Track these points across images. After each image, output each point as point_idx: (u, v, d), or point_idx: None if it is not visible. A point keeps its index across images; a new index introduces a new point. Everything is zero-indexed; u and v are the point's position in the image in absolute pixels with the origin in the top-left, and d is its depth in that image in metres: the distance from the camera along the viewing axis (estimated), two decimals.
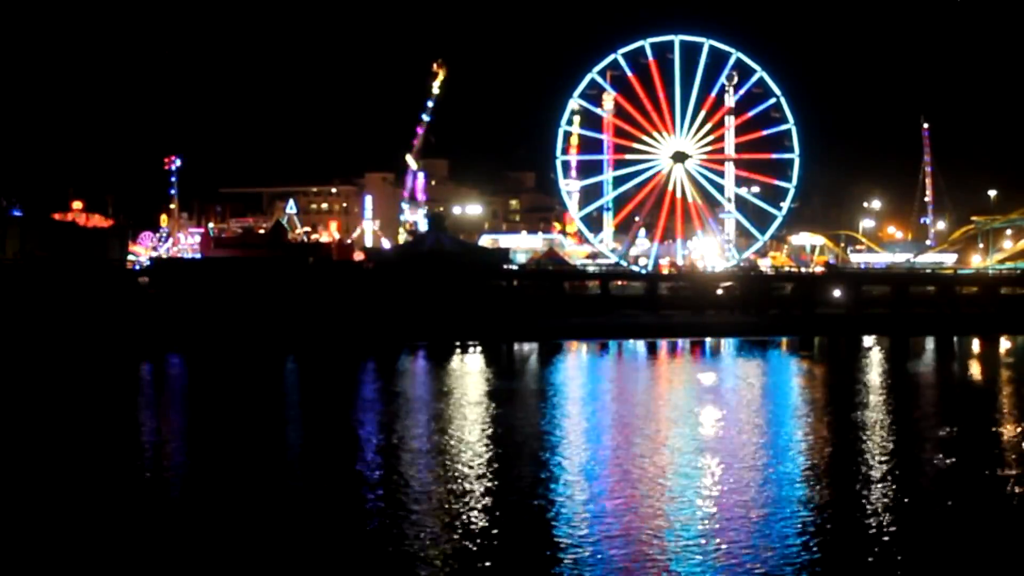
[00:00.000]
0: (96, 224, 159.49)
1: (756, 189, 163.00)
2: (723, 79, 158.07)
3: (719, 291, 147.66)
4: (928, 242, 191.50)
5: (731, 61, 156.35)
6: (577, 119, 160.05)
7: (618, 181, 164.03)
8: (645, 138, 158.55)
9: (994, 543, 35.86)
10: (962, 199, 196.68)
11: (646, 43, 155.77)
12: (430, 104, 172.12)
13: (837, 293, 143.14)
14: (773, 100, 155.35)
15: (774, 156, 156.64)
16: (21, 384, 78.80)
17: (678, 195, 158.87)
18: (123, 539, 36.10)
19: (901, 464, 48.29)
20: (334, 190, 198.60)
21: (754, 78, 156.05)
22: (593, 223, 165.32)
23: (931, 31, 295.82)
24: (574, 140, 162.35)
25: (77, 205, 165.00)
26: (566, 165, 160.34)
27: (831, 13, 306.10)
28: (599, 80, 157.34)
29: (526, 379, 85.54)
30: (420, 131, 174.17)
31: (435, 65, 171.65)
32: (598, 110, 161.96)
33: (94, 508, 40.10)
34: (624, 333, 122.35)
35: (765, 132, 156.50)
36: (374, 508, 39.98)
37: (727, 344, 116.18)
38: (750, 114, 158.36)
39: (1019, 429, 58.43)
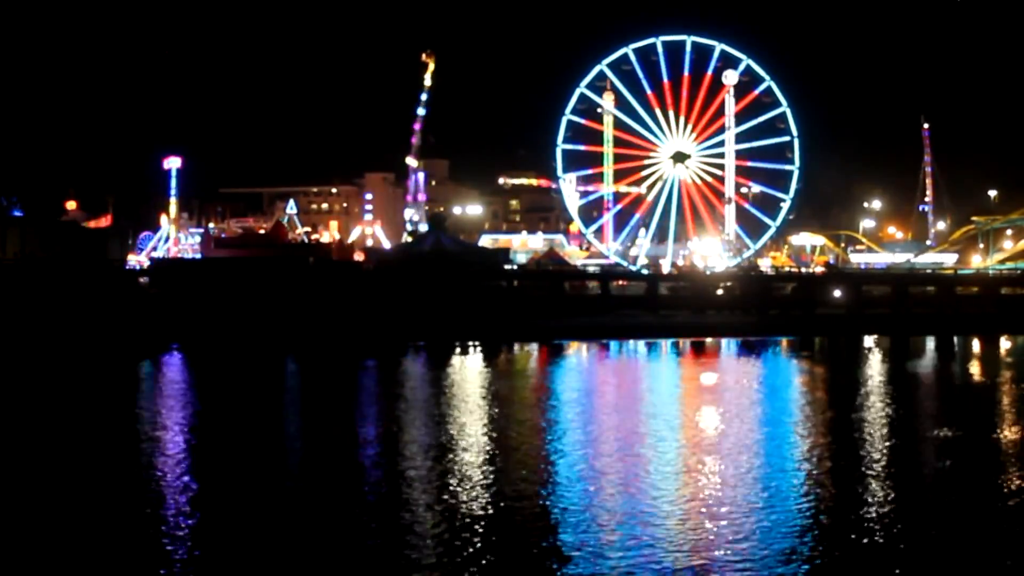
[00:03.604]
0: (96, 224, 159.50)
1: (757, 189, 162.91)
2: (720, 77, 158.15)
3: (719, 291, 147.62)
4: (928, 242, 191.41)
5: (716, 53, 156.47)
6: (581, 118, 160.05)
7: (619, 181, 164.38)
8: (643, 142, 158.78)
9: (994, 544, 35.85)
10: (962, 199, 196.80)
11: (657, 42, 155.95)
12: (424, 97, 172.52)
13: (837, 293, 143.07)
14: (765, 85, 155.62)
15: (773, 141, 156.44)
16: (22, 384, 78.77)
17: (680, 195, 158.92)
18: (122, 539, 36.10)
19: (902, 465, 48.29)
20: (334, 190, 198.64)
21: (742, 66, 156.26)
22: (594, 223, 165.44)
23: (931, 31, 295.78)
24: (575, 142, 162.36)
25: (71, 205, 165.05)
26: (566, 155, 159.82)
27: (831, 13, 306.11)
28: (607, 71, 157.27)
29: (527, 380, 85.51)
30: (417, 127, 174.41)
31: (424, 55, 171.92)
32: (598, 110, 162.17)
33: (94, 507, 40.10)
34: (624, 333, 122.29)
35: (762, 118, 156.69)
36: (374, 509, 39.97)
37: (727, 344, 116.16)
38: (750, 113, 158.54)
39: (1020, 430, 58.43)
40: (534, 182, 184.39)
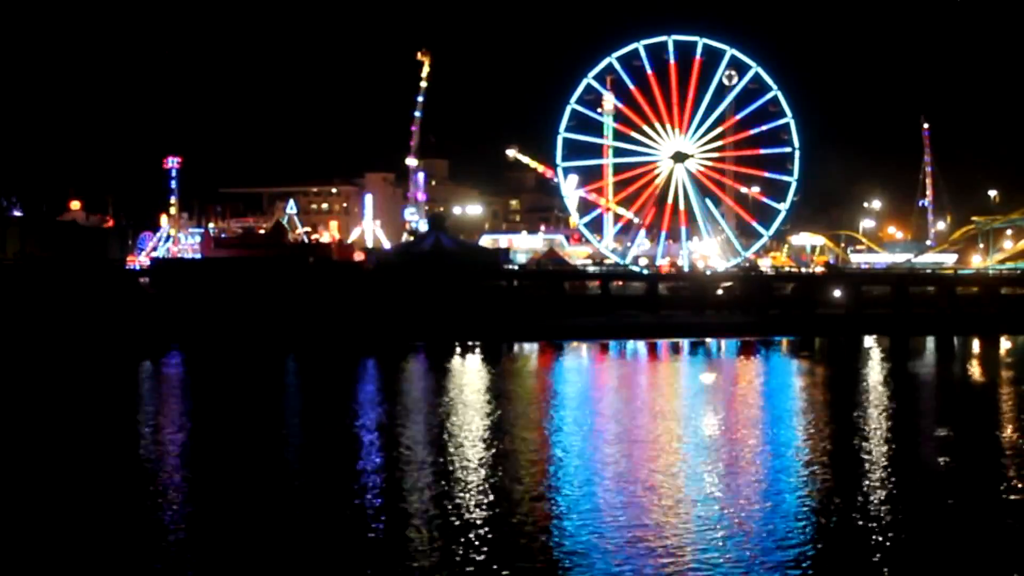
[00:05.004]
0: (96, 224, 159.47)
1: (757, 188, 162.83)
2: (722, 78, 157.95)
3: (719, 291, 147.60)
4: (928, 242, 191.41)
5: (726, 58, 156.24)
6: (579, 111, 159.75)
7: (619, 182, 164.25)
8: (645, 139, 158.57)
9: (994, 543, 35.85)
10: (962, 199, 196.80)
11: (668, 41, 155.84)
12: (421, 96, 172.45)
13: (837, 293, 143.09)
14: (771, 95, 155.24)
15: (774, 150, 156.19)
16: (22, 383, 78.78)
17: (679, 195, 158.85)
18: (122, 540, 36.10)
19: (902, 464, 48.29)
20: (334, 190, 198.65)
21: (750, 73, 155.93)
22: (593, 224, 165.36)
23: (931, 31, 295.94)
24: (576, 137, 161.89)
25: (77, 205, 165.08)
26: (567, 144, 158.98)
27: (831, 13, 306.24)
28: (616, 64, 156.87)
29: (528, 380, 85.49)
30: (416, 127, 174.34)
31: (420, 54, 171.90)
32: (598, 109, 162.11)
33: (94, 508, 40.10)
34: (624, 333, 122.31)
35: (765, 127, 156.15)
36: (374, 508, 39.97)
37: (727, 344, 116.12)
38: (754, 120, 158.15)
39: (1019, 429, 58.42)
40: (539, 168, 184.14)
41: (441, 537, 35.83)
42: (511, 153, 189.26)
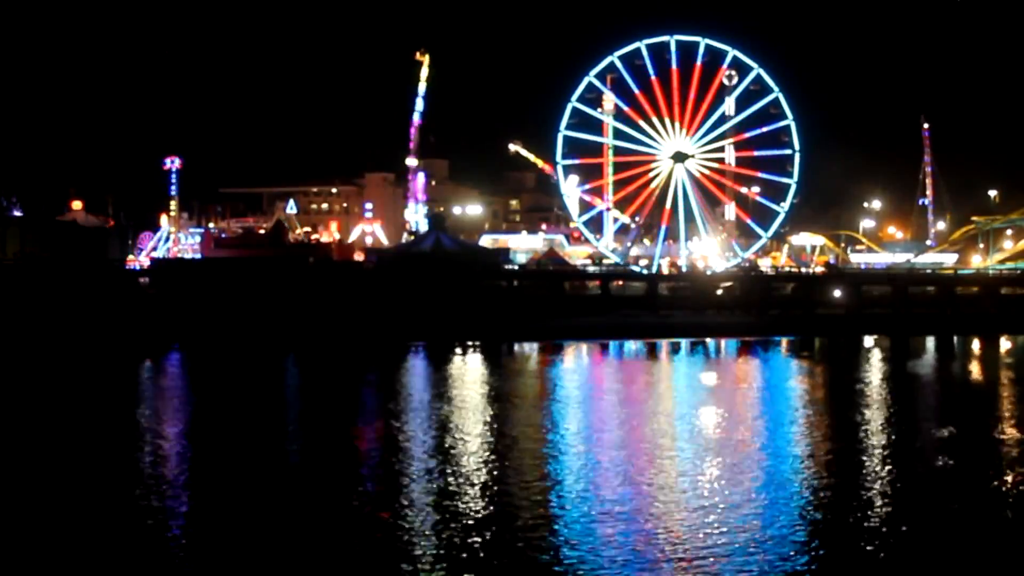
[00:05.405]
0: (96, 224, 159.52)
1: (757, 189, 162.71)
2: (723, 78, 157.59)
3: (719, 291, 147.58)
4: (928, 242, 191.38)
5: (728, 59, 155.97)
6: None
7: (618, 181, 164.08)
8: (645, 139, 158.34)
9: (994, 544, 35.86)
10: (962, 199, 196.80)
11: (671, 40, 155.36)
12: (420, 96, 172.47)
13: (837, 293, 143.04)
14: (772, 96, 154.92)
15: (774, 152, 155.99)
16: (23, 383, 78.77)
17: (679, 195, 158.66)
18: (124, 540, 36.10)
19: (903, 465, 48.30)
20: (334, 190, 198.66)
21: (752, 75, 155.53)
22: (593, 223, 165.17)
23: (931, 31, 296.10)
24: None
25: (77, 205, 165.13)
26: (567, 142, 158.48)
27: (831, 13, 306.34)
28: (618, 63, 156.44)
29: (528, 380, 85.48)
30: (415, 127, 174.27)
31: (418, 54, 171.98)
32: (598, 110, 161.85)
33: (95, 507, 40.11)
34: (624, 333, 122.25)
35: (766, 128, 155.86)
36: (374, 509, 39.98)
37: (727, 344, 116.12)
38: (755, 121, 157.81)
39: (1019, 430, 58.43)
40: (541, 163, 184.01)
41: (441, 538, 35.84)
42: (513, 147, 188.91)
